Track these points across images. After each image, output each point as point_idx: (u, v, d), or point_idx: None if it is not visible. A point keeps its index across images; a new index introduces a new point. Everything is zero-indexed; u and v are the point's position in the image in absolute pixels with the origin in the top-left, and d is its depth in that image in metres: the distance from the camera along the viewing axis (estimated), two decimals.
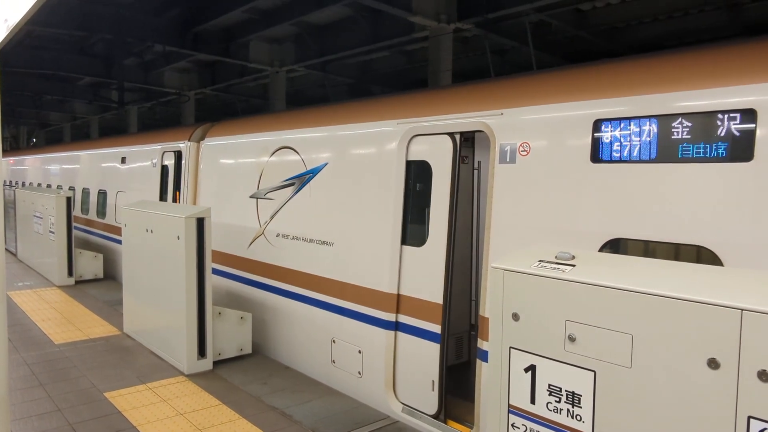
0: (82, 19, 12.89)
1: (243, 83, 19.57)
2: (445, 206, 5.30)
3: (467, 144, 6.67)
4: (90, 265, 11.76)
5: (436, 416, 5.31)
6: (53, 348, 7.29)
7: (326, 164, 6.63)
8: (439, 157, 5.38)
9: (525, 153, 4.60)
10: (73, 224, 11.31)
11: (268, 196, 7.51)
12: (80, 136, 33.24)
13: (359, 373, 6.07)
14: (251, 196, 7.84)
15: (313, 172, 6.78)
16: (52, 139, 37.95)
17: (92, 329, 8.18)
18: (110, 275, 12.12)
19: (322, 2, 11.62)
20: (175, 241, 6.57)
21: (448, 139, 5.32)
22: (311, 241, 6.76)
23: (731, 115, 3.49)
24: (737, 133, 3.48)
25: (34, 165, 20.18)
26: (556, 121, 4.43)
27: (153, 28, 13.75)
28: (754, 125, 3.40)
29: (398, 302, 5.69)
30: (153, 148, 10.93)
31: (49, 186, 17.49)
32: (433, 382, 5.33)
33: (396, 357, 5.70)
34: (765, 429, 2.35)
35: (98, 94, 21.87)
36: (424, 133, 5.52)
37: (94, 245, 13.40)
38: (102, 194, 13.30)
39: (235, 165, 8.48)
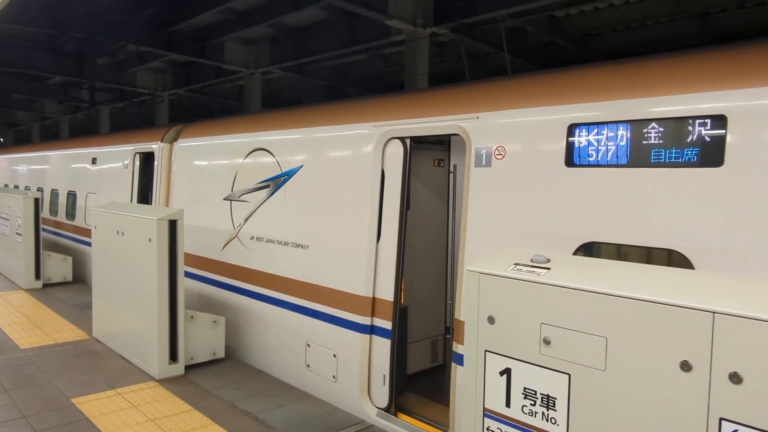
0: (53, 17, 12.62)
1: (218, 84, 19.37)
2: (396, 206, 5.52)
3: (443, 147, 6.69)
4: (58, 267, 11.50)
5: (387, 409, 5.53)
6: (19, 353, 7.09)
7: (302, 166, 6.58)
8: (392, 159, 5.59)
9: (500, 157, 4.63)
10: (42, 226, 11.06)
11: (242, 198, 7.43)
12: (50, 136, 32.55)
13: (334, 377, 6.03)
14: (225, 199, 7.74)
15: (289, 175, 6.73)
16: (20, 139, 37.09)
17: (60, 333, 7.98)
18: (79, 278, 11.86)
19: (298, 4, 11.57)
20: (146, 244, 6.45)
21: (398, 143, 5.53)
22: (286, 243, 6.70)
23: (702, 120, 3.55)
24: (708, 139, 3.53)
25: (1, 165, 19.71)
26: (532, 125, 4.46)
27: (127, 28, 13.52)
28: (724, 131, 3.47)
29: (373, 306, 5.67)
30: (125, 149, 10.74)
31: (16, 187, 17.09)
32: (384, 376, 5.53)
33: (371, 361, 5.68)
34: (737, 431, 2.38)
35: (69, 94, 21.41)
36: (400, 135, 5.52)
37: (63, 247, 13.11)
38: (71, 196, 13.03)
39: (208, 167, 8.37)
